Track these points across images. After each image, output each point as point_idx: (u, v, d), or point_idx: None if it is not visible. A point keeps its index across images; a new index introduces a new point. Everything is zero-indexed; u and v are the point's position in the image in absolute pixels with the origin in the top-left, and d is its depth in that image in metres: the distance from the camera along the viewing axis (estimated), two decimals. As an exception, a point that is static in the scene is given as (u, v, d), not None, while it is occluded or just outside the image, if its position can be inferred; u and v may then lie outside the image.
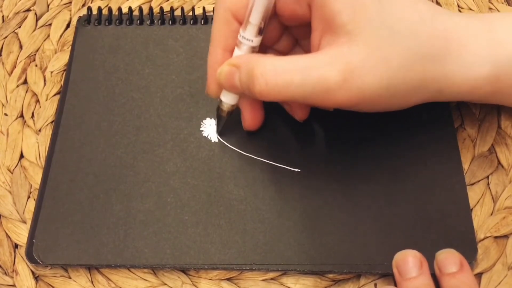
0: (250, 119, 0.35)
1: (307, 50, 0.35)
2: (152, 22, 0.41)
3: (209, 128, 0.36)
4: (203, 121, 0.37)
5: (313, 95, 0.29)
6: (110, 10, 0.41)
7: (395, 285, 0.31)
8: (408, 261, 0.30)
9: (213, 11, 0.41)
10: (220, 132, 0.36)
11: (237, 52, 0.32)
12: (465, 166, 0.35)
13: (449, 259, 0.30)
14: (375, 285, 0.32)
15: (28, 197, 0.35)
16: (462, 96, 0.32)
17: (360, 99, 0.29)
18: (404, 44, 0.29)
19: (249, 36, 0.31)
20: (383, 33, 0.29)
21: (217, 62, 0.33)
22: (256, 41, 0.32)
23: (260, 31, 0.31)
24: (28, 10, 0.44)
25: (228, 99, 0.34)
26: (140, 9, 0.41)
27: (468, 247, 0.32)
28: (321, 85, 0.29)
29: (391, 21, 0.29)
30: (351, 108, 0.31)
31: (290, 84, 0.29)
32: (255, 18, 0.31)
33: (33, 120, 0.38)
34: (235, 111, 0.35)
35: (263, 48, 0.33)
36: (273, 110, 0.37)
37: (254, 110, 0.35)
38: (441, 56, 0.30)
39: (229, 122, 0.35)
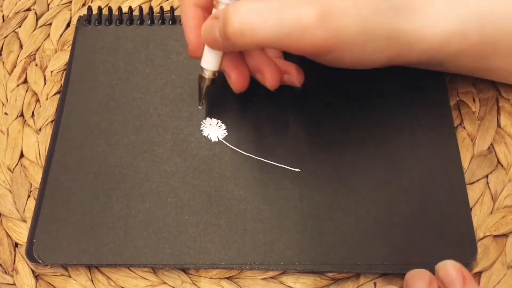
0: (237, 79, 0.34)
1: None
2: (152, 22, 0.41)
3: (209, 128, 0.36)
4: (203, 120, 0.37)
5: (289, 36, 0.29)
6: (110, 9, 0.41)
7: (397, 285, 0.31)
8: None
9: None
10: (203, 104, 0.36)
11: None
12: (465, 165, 0.35)
13: (450, 275, 0.29)
14: (375, 284, 0.32)
15: (28, 196, 0.35)
16: (433, 55, 0.32)
17: (336, 41, 0.29)
18: None
19: None
20: None
21: (191, 17, 0.33)
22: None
23: None
24: (28, 9, 0.44)
25: (209, 65, 0.34)
26: (140, 9, 0.41)
27: (468, 246, 0.32)
28: (297, 24, 0.29)
29: None
30: (326, 55, 0.31)
31: (265, 23, 0.29)
32: None
33: (33, 120, 0.38)
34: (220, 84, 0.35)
35: None
36: (273, 110, 0.37)
37: (238, 69, 0.34)
38: (409, 8, 0.31)
39: (232, 121, 0.35)
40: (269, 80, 0.34)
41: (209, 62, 0.34)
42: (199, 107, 0.37)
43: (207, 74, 0.34)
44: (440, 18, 0.31)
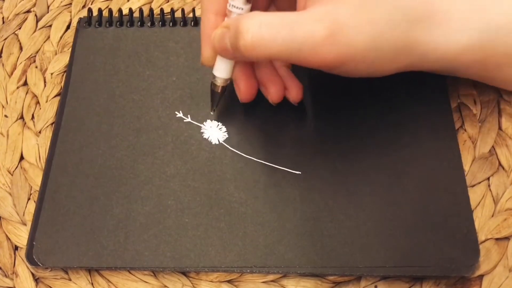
0: (244, 89, 0.35)
1: None
2: (152, 24, 0.41)
3: (210, 130, 0.36)
4: (204, 123, 0.37)
5: (299, 52, 0.29)
6: (110, 11, 0.41)
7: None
8: None
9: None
10: (214, 110, 0.36)
11: None
12: (466, 167, 0.35)
13: None
14: (376, 287, 0.32)
15: (28, 199, 0.35)
16: (445, 65, 0.32)
17: (346, 57, 0.30)
18: (387, 5, 0.30)
19: (238, 4, 0.32)
20: None
21: (210, 27, 0.33)
22: (246, 9, 0.32)
23: None
24: (28, 11, 0.44)
25: (221, 73, 0.34)
26: (141, 11, 0.41)
27: (470, 249, 0.32)
28: (308, 40, 0.29)
29: None
30: (336, 69, 0.31)
31: (276, 38, 0.29)
32: None
33: (33, 122, 0.38)
34: (228, 88, 0.35)
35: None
36: (274, 112, 0.37)
37: (248, 80, 0.35)
38: (425, 20, 0.30)
39: (232, 123, 0.35)
40: (272, 96, 0.35)
41: (221, 70, 0.34)
42: (211, 113, 0.37)
43: (219, 82, 0.35)
44: (456, 30, 0.31)
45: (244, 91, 0.35)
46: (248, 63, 0.35)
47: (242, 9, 0.32)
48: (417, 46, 0.31)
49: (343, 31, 0.29)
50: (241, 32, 0.29)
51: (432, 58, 0.32)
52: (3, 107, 0.39)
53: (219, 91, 0.35)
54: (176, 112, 0.37)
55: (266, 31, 0.29)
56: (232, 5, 0.32)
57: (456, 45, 0.31)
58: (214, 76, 0.35)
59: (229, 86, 0.36)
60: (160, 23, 0.41)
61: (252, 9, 0.33)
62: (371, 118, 0.36)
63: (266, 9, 0.35)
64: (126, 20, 0.41)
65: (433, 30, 0.31)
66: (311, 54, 0.29)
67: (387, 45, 0.30)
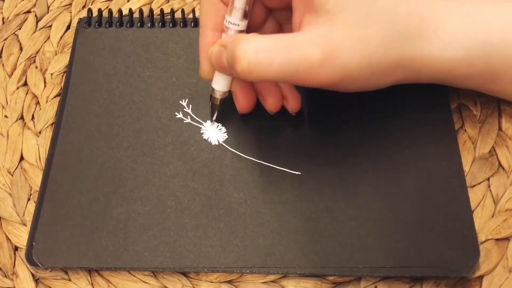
0: (243, 102, 0.36)
1: None
2: (152, 25, 0.41)
3: (210, 131, 0.36)
4: (203, 124, 0.37)
5: (295, 74, 0.30)
6: (110, 12, 0.41)
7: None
8: None
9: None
10: (214, 121, 0.37)
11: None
12: (466, 168, 0.35)
13: None
14: (375, 287, 0.32)
15: (28, 200, 0.35)
16: (441, 77, 0.33)
17: (342, 77, 0.30)
18: (381, 24, 0.30)
19: (235, 20, 0.32)
20: (361, 12, 0.30)
21: (208, 43, 0.34)
22: (242, 25, 0.33)
23: (245, 15, 0.32)
24: (29, 11, 0.44)
25: (219, 87, 0.35)
26: (141, 11, 0.41)
27: (470, 250, 0.32)
28: (303, 64, 0.30)
29: (368, 1, 0.30)
30: (332, 87, 0.31)
31: (273, 63, 0.30)
32: (240, 2, 0.32)
33: (33, 122, 0.38)
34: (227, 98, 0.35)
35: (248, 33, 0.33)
36: (274, 113, 0.37)
37: (246, 92, 0.35)
38: (417, 36, 0.31)
39: (232, 124, 0.35)
40: (270, 106, 0.36)
41: (220, 84, 0.35)
42: (211, 123, 0.37)
43: (218, 95, 0.35)
44: (449, 45, 0.31)
45: (242, 103, 0.36)
46: None
47: (239, 25, 0.32)
48: (411, 62, 0.31)
49: (338, 53, 0.30)
50: (238, 56, 0.30)
51: (427, 72, 0.32)
52: (3, 107, 0.39)
53: (217, 103, 0.35)
54: (176, 113, 0.37)
55: (262, 56, 0.30)
56: (229, 22, 0.33)
57: (450, 59, 0.32)
58: (213, 89, 0.35)
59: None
60: (160, 23, 0.41)
61: (249, 23, 0.33)
62: (371, 118, 0.36)
63: (263, 22, 0.35)
64: (126, 20, 0.41)
65: (426, 46, 0.31)
66: (308, 77, 0.30)
67: (382, 63, 0.31)
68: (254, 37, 0.31)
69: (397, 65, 0.31)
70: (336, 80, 0.30)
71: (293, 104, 0.36)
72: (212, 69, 0.34)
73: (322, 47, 0.29)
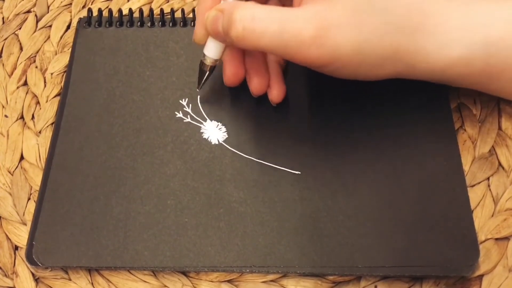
0: (231, 74, 0.36)
1: None
2: (152, 24, 0.41)
3: (210, 130, 0.36)
4: (203, 123, 0.37)
5: (287, 48, 0.30)
6: (110, 11, 0.41)
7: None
8: None
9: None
10: (201, 88, 0.37)
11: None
12: (466, 167, 0.35)
13: None
14: (376, 287, 0.32)
15: (28, 199, 0.35)
16: (438, 75, 0.33)
17: (331, 58, 0.30)
18: (380, 12, 0.30)
19: None
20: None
21: (206, 8, 0.34)
22: None
23: None
24: (29, 11, 0.44)
25: (211, 53, 0.35)
26: (141, 11, 0.41)
27: (470, 249, 0.32)
28: (295, 38, 0.30)
29: None
30: (321, 68, 0.32)
31: (266, 32, 0.30)
32: None
33: (33, 122, 0.38)
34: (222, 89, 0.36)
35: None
36: (273, 112, 0.37)
37: (235, 64, 0.36)
38: (415, 31, 0.31)
39: (232, 123, 0.35)
40: (253, 86, 0.36)
41: (212, 50, 0.35)
42: (197, 89, 0.37)
43: (208, 61, 0.35)
44: (448, 42, 0.31)
45: (229, 75, 0.36)
46: (239, 49, 0.35)
47: None
48: (405, 56, 0.31)
49: (330, 33, 0.30)
50: (234, 21, 0.30)
51: (421, 68, 0.32)
52: (3, 107, 0.39)
53: (207, 70, 0.36)
54: (176, 112, 0.37)
55: (257, 24, 0.30)
56: None
57: (448, 57, 0.32)
58: (204, 55, 0.35)
59: (228, 89, 0.36)
60: (160, 23, 0.41)
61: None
62: (371, 118, 0.36)
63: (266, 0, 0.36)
64: (126, 20, 0.41)
65: (423, 41, 0.31)
66: (297, 52, 0.30)
67: (374, 52, 0.31)
68: (252, 5, 0.31)
69: (390, 57, 0.31)
70: (325, 60, 0.30)
71: (275, 93, 0.36)
72: (206, 34, 0.34)
73: (315, 24, 0.30)
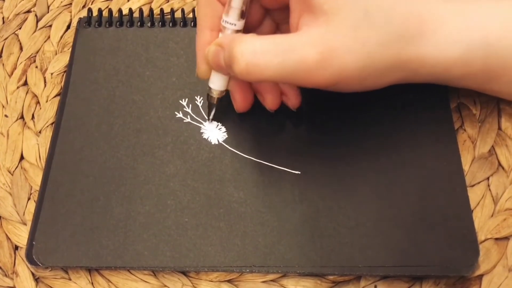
0: (241, 101, 0.36)
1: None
2: (152, 24, 0.41)
3: (209, 130, 0.36)
4: (203, 123, 0.37)
5: (293, 76, 0.30)
6: (110, 11, 0.41)
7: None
8: None
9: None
10: (211, 120, 0.37)
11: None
12: (466, 167, 0.35)
13: None
14: (375, 287, 0.32)
15: (28, 199, 0.35)
16: (438, 77, 0.33)
17: (339, 78, 0.30)
18: (379, 25, 0.30)
19: (232, 20, 0.32)
20: (358, 13, 0.30)
21: (205, 43, 0.34)
22: (239, 24, 0.33)
23: (243, 15, 0.32)
24: (29, 11, 0.44)
25: (217, 86, 0.35)
26: (141, 11, 0.41)
27: (469, 249, 0.32)
28: (301, 66, 0.30)
29: (366, 2, 0.30)
30: (330, 88, 0.32)
31: (270, 65, 0.30)
32: (237, 2, 0.32)
33: (34, 122, 0.38)
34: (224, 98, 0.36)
35: (246, 33, 0.33)
36: (273, 112, 0.37)
37: (243, 91, 0.35)
38: (415, 37, 0.31)
39: (232, 123, 0.35)
40: (269, 104, 0.36)
41: (217, 83, 0.35)
42: (208, 122, 0.37)
43: (215, 94, 0.35)
44: (447, 45, 0.31)
45: (240, 102, 0.36)
46: None
47: (236, 25, 0.33)
48: (409, 62, 0.31)
49: (335, 54, 0.30)
50: (235, 57, 0.30)
51: (424, 72, 0.32)
52: (3, 107, 0.39)
53: (215, 102, 0.35)
54: (176, 113, 0.37)
55: (260, 58, 0.30)
56: (226, 21, 0.33)
57: (448, 59, 0.32)
58: (210, 88, 0.35)
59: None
60: (160, 23, 0.41)
61: (246, 23, 0.33)
62: (371, 118, 0.36)
63: (261, 22, 0.35)
64: (126, 20, 0.41)
65: (425, 46, 0.31)
66: (305, 78, 0.30)
67: (379, 63, 0.31)
68: (252, 38, 0.31)
69: (395, 66, 0.31)
70: (334, 81, 0.30)
71: (293, 99, 0.36)
72: (209, 68, 0.34)
73: (319, 48, 0.30)
